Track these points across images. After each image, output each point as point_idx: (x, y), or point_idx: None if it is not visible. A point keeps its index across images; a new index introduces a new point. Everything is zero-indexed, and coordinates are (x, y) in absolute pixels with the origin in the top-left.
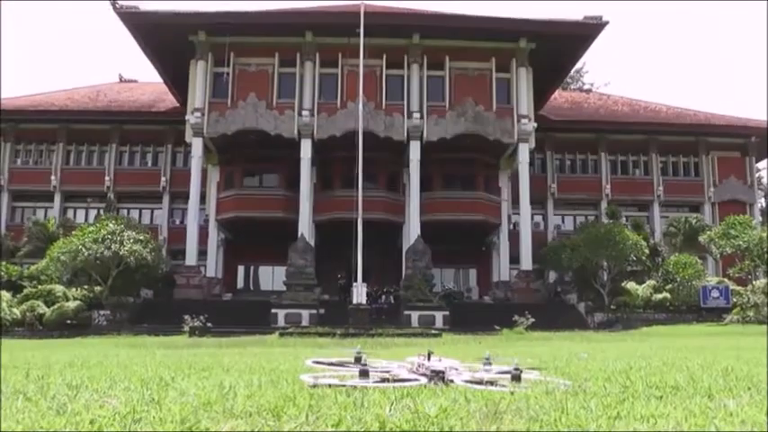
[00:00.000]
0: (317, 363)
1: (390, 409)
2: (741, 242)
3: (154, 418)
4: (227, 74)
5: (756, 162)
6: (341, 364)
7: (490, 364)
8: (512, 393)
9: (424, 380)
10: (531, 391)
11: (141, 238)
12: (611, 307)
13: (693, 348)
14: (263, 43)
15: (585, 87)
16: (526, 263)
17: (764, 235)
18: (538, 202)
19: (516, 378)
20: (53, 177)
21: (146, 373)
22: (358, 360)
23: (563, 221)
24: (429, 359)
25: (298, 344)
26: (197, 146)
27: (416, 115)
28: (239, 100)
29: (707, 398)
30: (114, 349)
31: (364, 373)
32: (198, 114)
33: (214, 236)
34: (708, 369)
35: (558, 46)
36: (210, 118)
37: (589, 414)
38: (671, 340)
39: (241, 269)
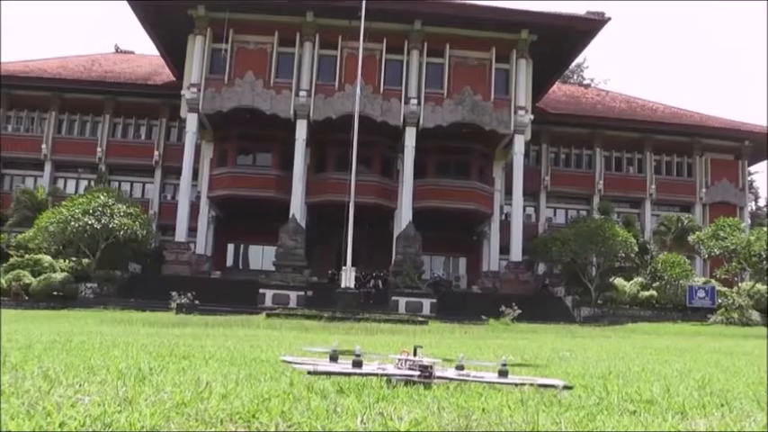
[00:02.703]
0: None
1: (362, 419)
2: (729, 244)
3: (124, 422)
4: (226, 50)
5: (749, 166)
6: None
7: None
8: (483, 407)
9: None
10: (505, 400)
11: (131, 211)
12: (599, 302)
13: (674, 350)
14: (262, 21)
15: (585, 82)
16: (516, 254)
17: (752, 238)
18: (530, 194)
19: (503, 374)
20: (44, 146)
21: (125, 359)
22: (333, 359)
23: (555, 214)
24: (415, 354)
25: (284, 326)
26: (191, 121)
27: (414, 101)
28: (236, 77)
29: (679, 415)
30: (99, 326)
31: (357, 364)
32: (194, 90)
33: (205, 213)
34: (685, 378)
35: (559, 39)
36: (206, 94)
37: (559, 431)
38: (654, 339)
39: (231, 247)
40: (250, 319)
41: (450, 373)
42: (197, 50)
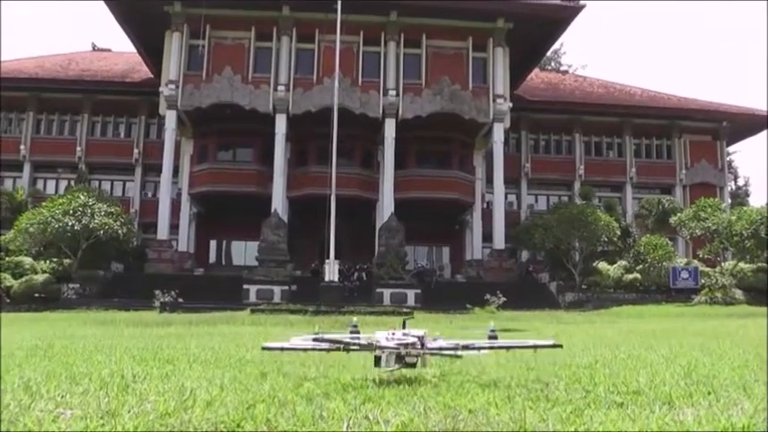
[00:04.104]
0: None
1: (348, 424)
2: (711, 224)
3: None
4: (203, 46)
5: (727, 146)
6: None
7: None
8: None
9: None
10: (492, 398)
11: (112, 210)
12: (583, 287)
13: (660, 334)
14: (239, 16)
15: (563, 69)
16: (499, 242)
17: (733, 218)
18: (512, 181)
19: (493, 338)
20: (22, 146)
21: (108, 365)
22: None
23: (536, 201)
24: (404, 327)
25: (268, 321)
26: (171, 118)
27: (392, 93)
28: (214, 73)
29: (667, 405)
30: (82, 328)
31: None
32: (172, 87)
33: (186, 210)
34: (671, 364)
35: (536, 27)
36: (185, 91)
37: (546, 429)
38: (639, 323)
39: (213, 244)
40: (234, 315)
41: (441, 342)
42: (174, 47)
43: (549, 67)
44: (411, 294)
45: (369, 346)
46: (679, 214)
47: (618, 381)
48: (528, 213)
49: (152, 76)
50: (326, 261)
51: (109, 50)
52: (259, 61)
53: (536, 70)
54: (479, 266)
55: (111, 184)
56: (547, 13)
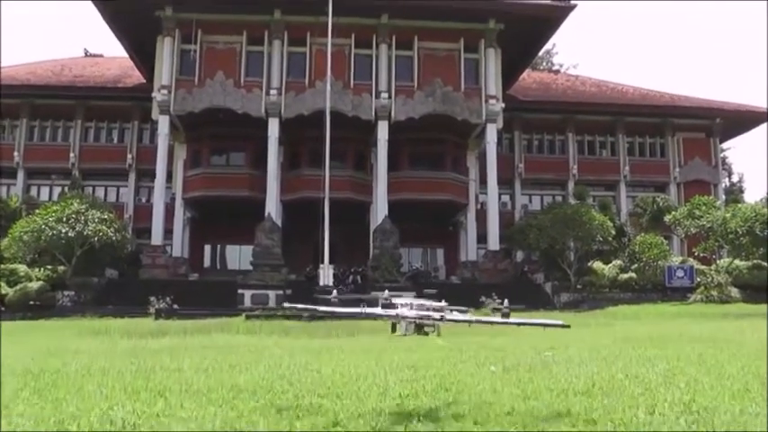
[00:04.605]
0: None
1: None
2: (705, 222)
3: None
4: (195, 51)
5: (721, 143)
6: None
7: None
8: None
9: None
10: None
11: (106, 217)
12: (578, 287)
13: (657, 341)
14: (230, 21)
15: (554, 68)
16: (493, 243)
17: (728, 215)
18: (505, 181)
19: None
20: (16, 153)
21: (99, 402)
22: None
23: (530, 201)
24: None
25: (263, 329)
26: (163, 124)
27: (384, 95)
28: (206, 78)
29: None
30: (76, 340)
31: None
32: (164, 92)
33: (180, 215)
34: (670, 387)
35: (527, 27)
36: (177, 95)
37: None
38: (635, 326)
39: (207, 248)
40: (229, 322)
41: (458, 315)
42: (166, 52)
43: (542, 67)
44: (407, 297)
45: (394, 317)
46: (674, 212)
47: (616, 417)
48: (522, 213)
49: (144, 80)
50: (321, 266)
51: (101, 56)
52: (251, 65)
53: (528, 70)
54: (474, 268)
55: (105, 190)
56: (538, 13)
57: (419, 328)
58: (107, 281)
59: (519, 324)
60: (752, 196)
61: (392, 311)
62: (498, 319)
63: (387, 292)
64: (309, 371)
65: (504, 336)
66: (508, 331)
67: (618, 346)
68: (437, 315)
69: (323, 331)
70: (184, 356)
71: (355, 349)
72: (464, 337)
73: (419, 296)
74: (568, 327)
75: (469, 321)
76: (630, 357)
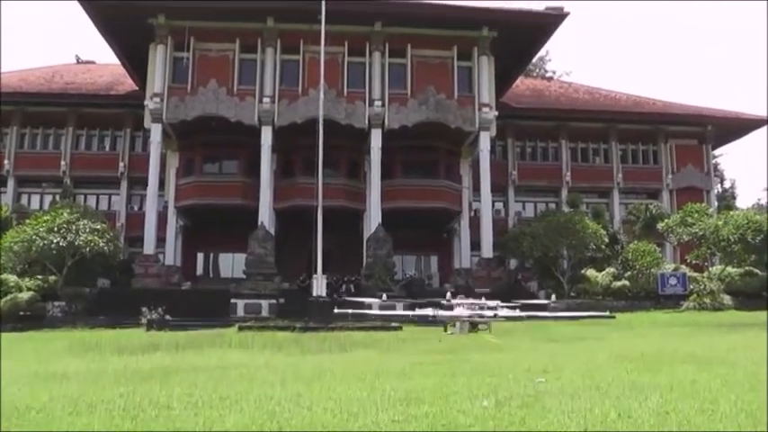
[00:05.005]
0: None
1: None
2: (698, 230)
3: None
4: (187, 59)
5: (713, 150)
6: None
7: None
8: None
9: None
10: None
11: (98, 227)
12: (572, 294)
13: (650, 360)
14: (223, 28)
15: (548, 75)
16: (487, 251)
17: (720, 223)
18: (499, 189)
19: None
20: (6, 161)
21: None
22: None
23: (524, 208)
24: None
25: (256, 342)
26: (156, 132)
27: (378, 103)
28: (199, 86)
29: None
30: (66, 357)
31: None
32: (157, 100)
33: (173, 223)
34: (662, 426)
35: (520, 35)
36: (170, 103)
37: None
38: (629, 340)
39: (200, 257)
40: (222, 334)
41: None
42: (158, 60)
43: (535, 74)
44: (400, 306)
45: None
46: (666, 220)
47: None
48: (515, 221)
49: (137, 88)
50: (314, 276)
51: (93, 62)
52: (244, 73)
53: (521, 77)
54: (468, 275)
55: (97, 198)
56: (531, 20)
57: (473, 326)
58: (99, 291)
59: (570, 318)
60: (744, 202)
61: (449, 313)
62: (548, 314)
63: (448, 294)
64: (300, 407)
65: (497, 351)
66: (502, 339)
67: (612, 366)
68: (490, 313)
69: (315, 344)
70: (174, 384)
71: (347, 374)
72: (457, 353)
73: (413, 305)
74: (614, 317)
75: (521, 318)
76: (624, 385)
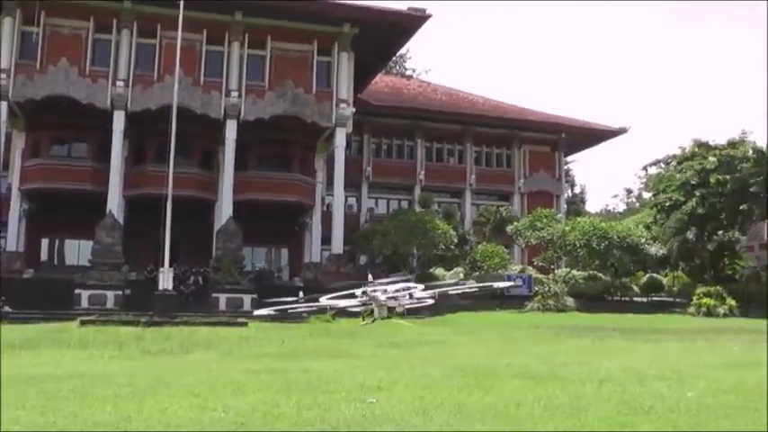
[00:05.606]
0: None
1: None
2: (545, 234)
3: None
4: (37, 34)
5: (566, 156)
6: None
7: None
8: None
9: None
10: None
11: None
12: None
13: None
14: (77, 5)
15: (407, 73)
16: (337, 246)
17: (567, 228)
18: (352, 184)
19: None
20: None
21: None
22: None
23: (377, 205)
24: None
25: (97, 339)
26: (1, 110)
27: (235, 94)
28: (49, 64)
29: None
30: None
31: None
32: (3, 76)
33: (16, 206)
34: None
35: (381, 34)
36: (17, 81)
37: None
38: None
39: (45, 242)
40: (63, 329)
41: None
42: (5, 33)
43: (395, 71)
44: (247, 299)
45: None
46: (516, 223)
47: None
48: (368, 216)
49: None
50: (161, 269)
51: None
52: (97, 54)
53: (381, 74)
54: (317, 269)
55: None
56: (392, 20)
57: (390, 310)
58: None
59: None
60: (593, 206)
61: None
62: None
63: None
64: None
65: (342, 358)
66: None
67: (445, 383)
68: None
69: (157, 344)
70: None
71: (182, 388)
72: (296, 361)
73: (261, 299)
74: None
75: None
76: (451, 410)
